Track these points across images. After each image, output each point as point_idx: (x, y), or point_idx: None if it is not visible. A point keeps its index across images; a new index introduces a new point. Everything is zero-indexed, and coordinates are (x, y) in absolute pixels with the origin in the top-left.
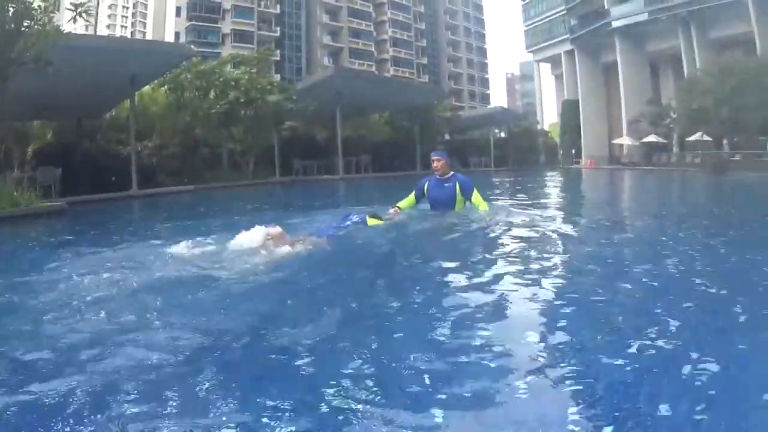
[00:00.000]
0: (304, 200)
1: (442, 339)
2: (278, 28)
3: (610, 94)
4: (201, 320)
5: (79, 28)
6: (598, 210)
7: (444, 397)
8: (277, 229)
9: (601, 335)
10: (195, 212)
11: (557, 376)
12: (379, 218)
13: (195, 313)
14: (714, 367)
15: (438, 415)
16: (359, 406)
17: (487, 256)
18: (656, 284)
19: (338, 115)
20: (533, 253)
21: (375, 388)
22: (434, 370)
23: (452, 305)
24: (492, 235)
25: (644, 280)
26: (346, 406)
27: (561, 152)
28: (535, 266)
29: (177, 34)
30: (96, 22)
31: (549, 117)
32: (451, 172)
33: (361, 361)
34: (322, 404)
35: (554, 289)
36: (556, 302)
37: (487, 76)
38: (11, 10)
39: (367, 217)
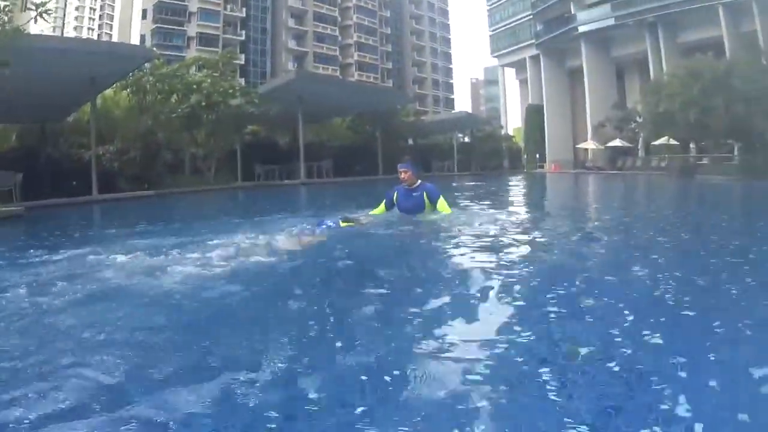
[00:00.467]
0: (260, 207)
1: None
2: (243, 32)
3: (575, 98)
4: (140, 332)
5: (46, 29)
6: (557, 214)
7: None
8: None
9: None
10: (151, 219)
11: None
12: (351, 221)
13: (133, 324)
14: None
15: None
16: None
17: (444, 258)
18: (620, 286)
19: (300, 119)
20: (491, 256)
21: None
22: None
23: (408, 305)
24: (452, 237)
25: (608, 278)
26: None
27: (525, 157)
28: (492, 267)
29: (143, 37)
30: (63, 24)
31: (513, 122)
32: (419, 182)
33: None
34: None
35: (511, 290)
36: (514, 304)
37: (451, 81)
38: None
39: (340, 221)
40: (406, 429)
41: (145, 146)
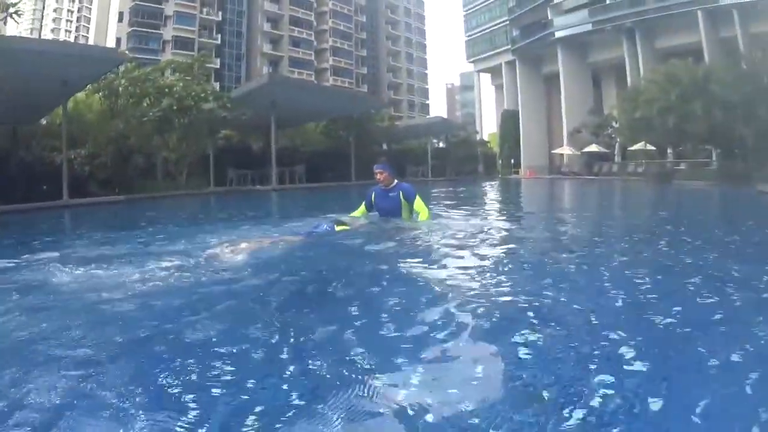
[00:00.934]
0: (227, 212)
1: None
2: (219, 36)
3: (551, 104)
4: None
5: (24, 32)
6: (529, 225)
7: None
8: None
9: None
10: (113, 226)
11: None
12: (346, 225)
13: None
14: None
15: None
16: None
17: (422, 261)
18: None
19: (273, 123)
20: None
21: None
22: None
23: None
24: (432, 242)
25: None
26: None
27: (500, 162)
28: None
29: (118, 40)
30: (41, 26)
31: (488, 127)
32: (395, 182)
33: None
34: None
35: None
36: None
37: (427, 86)
38: None
39: (335, 226)
40: None
41: (117, 150)
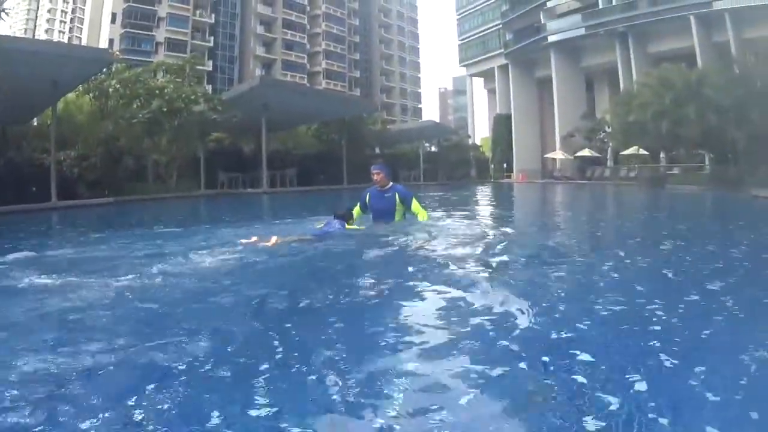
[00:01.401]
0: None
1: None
2: (212, 38)
3: (544, 108)
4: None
5: (18, 32)
6: (522, 230)
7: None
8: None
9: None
10: (97, 228)
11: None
12: (352, 222)
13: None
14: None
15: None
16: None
17: (426, 266)
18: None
19: (264, 126)
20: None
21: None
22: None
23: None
24: (433, 246)
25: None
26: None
27: (492, 166)
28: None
29: (111, 41)
30: (35, 26)
31: (481, 131)
32: (391, 183)
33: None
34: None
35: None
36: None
37: (419, 90)
38: None
39: (346, 224)
40: None
41: (107, 152)
